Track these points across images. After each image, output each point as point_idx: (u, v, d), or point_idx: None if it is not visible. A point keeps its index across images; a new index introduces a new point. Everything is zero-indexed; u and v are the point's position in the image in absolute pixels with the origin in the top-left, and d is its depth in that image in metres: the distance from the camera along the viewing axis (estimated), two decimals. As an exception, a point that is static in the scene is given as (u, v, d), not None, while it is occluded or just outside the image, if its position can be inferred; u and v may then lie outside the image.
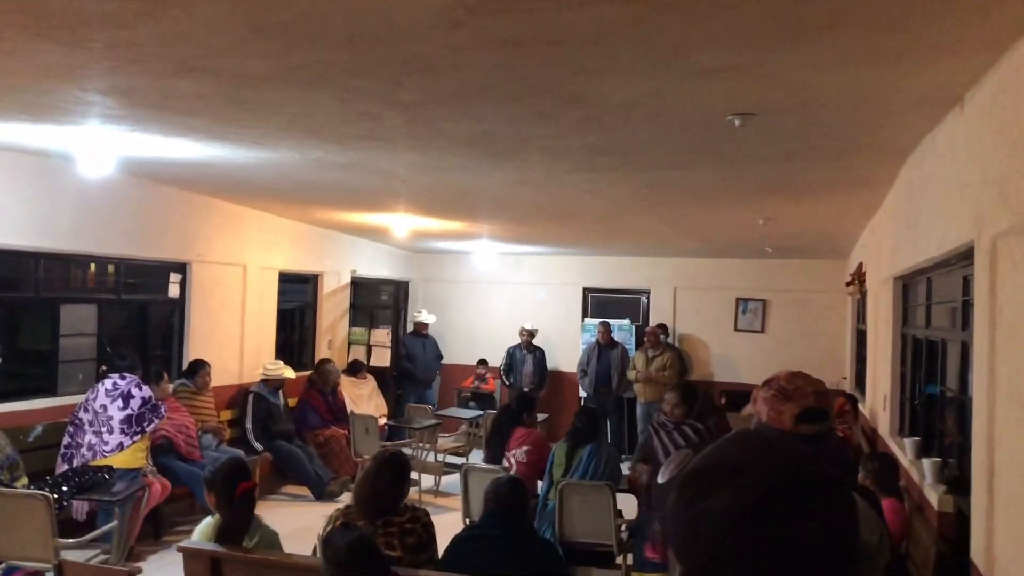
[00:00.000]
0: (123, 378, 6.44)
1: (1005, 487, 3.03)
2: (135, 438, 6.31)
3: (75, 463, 6.22)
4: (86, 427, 6.33)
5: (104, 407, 6.32)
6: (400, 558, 3.60)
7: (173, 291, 8.31)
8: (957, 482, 4.40)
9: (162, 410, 6.65)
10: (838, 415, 7.44)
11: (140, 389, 6.47)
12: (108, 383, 6.39)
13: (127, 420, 6.31)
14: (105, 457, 6.23)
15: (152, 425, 6.46)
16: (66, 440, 6.36)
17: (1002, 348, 3.09)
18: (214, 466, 3.97)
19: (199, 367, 7.98)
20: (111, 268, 7.64)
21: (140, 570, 6.00)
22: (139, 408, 6.39)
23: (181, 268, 8.30)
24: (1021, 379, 2.80)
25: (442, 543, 3.97)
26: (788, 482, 0.97)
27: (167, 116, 4.60)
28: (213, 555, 3.62)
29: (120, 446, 6.27)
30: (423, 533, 3.70)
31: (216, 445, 7.97)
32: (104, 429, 6.28)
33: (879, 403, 7.03)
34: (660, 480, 1.27)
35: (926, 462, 4.78)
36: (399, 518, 3.71)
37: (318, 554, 3.75)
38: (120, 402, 6.32)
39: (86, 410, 6.38)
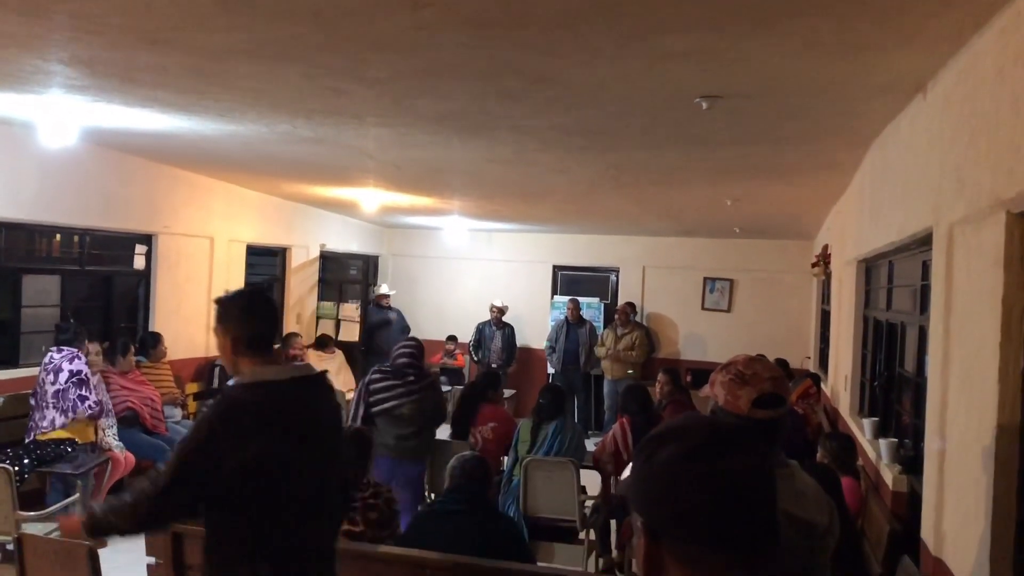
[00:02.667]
0: (59, 351, 6.22)
1: (955, 468, 3.10)
2: (68, 415, 6.04)
3: (32, 435, 6.13)
4: (36, 400, 6.22)
5: (42, 381, 6.16)
6: (362, 533, 3.63)
7: (139, 263, 8.21)
8: (912, 462, 4.50)
9: (92, 385, 6.25)
10: (803, 397, 7.55)
11: (71, 363, 6.18)
12: (47, 356, 6.24)
13: (56, 395, 6.08)
14: (43, 433, 6.05)
15: (81, 408, 6.10)
16: (30, 412, 6.26)
17: (956, 333, 3.15)
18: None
19: (155, 340, 7.90)
20: (75, 238, 7.53)
21: (104, 544, 6.00)
22: (65, 382, 6.11)
23: (147, 240, 8.21)
24: (973, 364, 2.87)
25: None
26: (715, 434, 1.19)
27: (130, 87, 4.54)
28: (174, 531, 3.62)
29: (52, 423, 6.05)
30: (385, 509, 3.74)
31: (180, 417, 7.95)
32: (42, 403, 6.12)
33: (840, 383, 7.14)
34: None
35: (883, 442, 4.87)
36: (362, 494, 3.74)
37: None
38: (52, 376, 6.11)
39: (38, 383, 6.25)
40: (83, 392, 6.12)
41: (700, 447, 1.16)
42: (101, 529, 2.57)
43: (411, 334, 12.31)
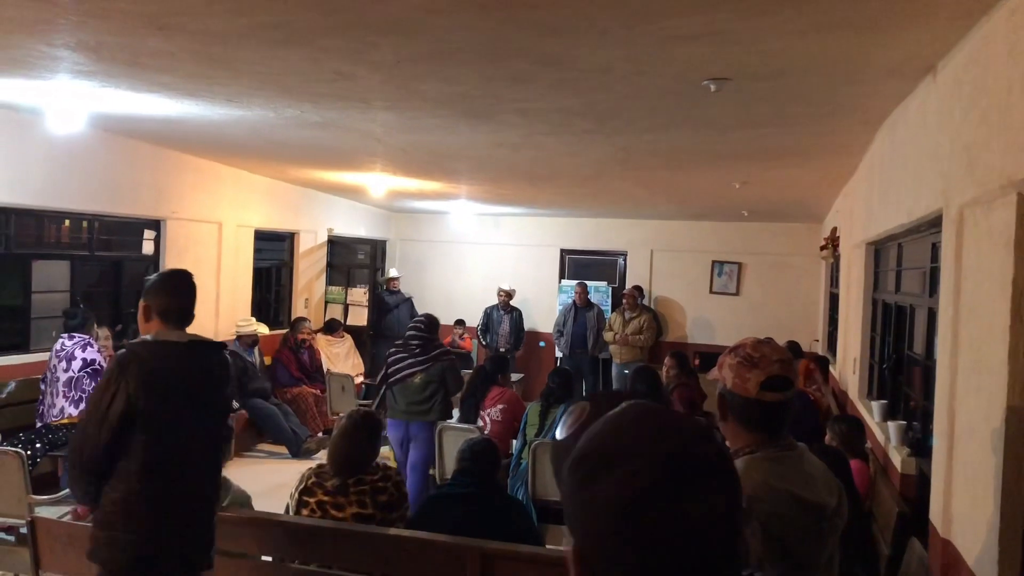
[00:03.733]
0: (71, 338, 6.24)
1: (963, 451, 3.10)
2: (80, 407, 5.99)
3: (44, 420, 6.16)
4: (46, 385, 6.24)
5: (53, 367, 6.18)
6: (372, 516, 3.65)
7: (147, 248, 8.24)
8: (920, 445, 4.50)
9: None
10: (805, 377, 7.54)
11: (84, 351, 6.20)
12: (58, 343, 6.26)
13: (68, 383, 6.10)
14: (54, 420, 6.09)
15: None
16: (40, 397, 6.30)
17: (965, 316, 3.14)
18: None
19: None
20: (84, 224, 7.56)
21: None
22: (79, 371, 6.12)
23: (155, 225, 8.23)
24: (982, 347, 2.86)
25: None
26: (674, 469, 0.98)
27: (137, 72, 4.53)
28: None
29: (62, 412, 6.07)
30: (394, 492, 3.75)
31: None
32: (52, 391, 6.15)
33: (849, 366, 7.13)
34: (558, 435, 1.27)
35: (891, 425, 4.87)
36: (371, 476, 3.75)
37: (291, 512, 3.79)
38: (64, 363, 6.13)
39: (49, 369, 6.29)
40: (93, 382, 6.14)
41: (653, 487, 0.96)
42: (88, 499, 3.05)
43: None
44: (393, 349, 6.63)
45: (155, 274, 3.26)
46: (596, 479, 0.99)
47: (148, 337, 3.06)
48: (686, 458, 1.00)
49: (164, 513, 2.98)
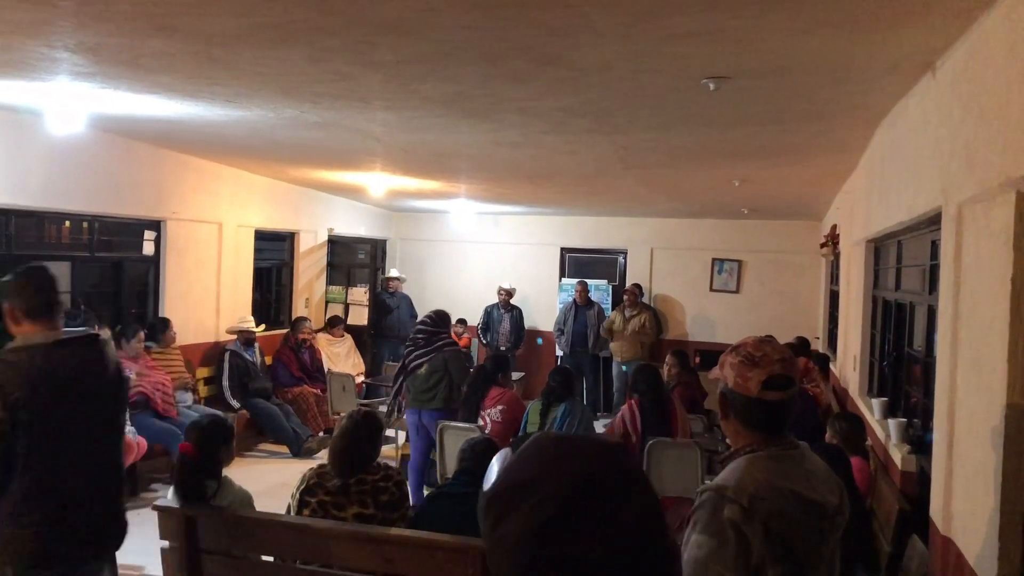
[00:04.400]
0: None
1: (963, 448, 3.11)
2: None
3: None
4: None
5: None
6: (373, 516, 3.65)
7: (148, 248, 8.24)
8: (921, 442, 4.51)
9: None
10: (804, 374, 7.55)
11: None
12: None
13: None
14: None
15: None
16: None
17: (965, 314, 3.15)
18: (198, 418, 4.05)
19: (164, 325, 7.94)
20: (85, 225, 7.56)
21: None
22: None
23: (156, 226, 8.23)
24: (982, 345, 2.86)
25: (418, 497, 4.04)
26: (580, 494, 0.96)
27: (137, 73, 4.54)
28: (188, 514, 3.65)
29: None
30: (395, 491, 3.75)
31: (192, 402, 8.00)
32: None
33: (849, 363, 7.14)
34: (484, 488, 1.24)
35: (892, 422, 4.88)
36: (372, 476, 3.76)
37: (292, 512, 3.79)
38: None
39: None
40: None
41: (557, 514, 0.94)
42: None
43: (417, 319, 12.38)
44: (407, 343, 7.26)
45: (8, 276, 3.15)
46: (506, 517, 0.98)
47: (19, 342, 3.01)
48: (592, 479, 0.98)
49: (64, 508, 3.00)
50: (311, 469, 3.89)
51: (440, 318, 7.21)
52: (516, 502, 0.98)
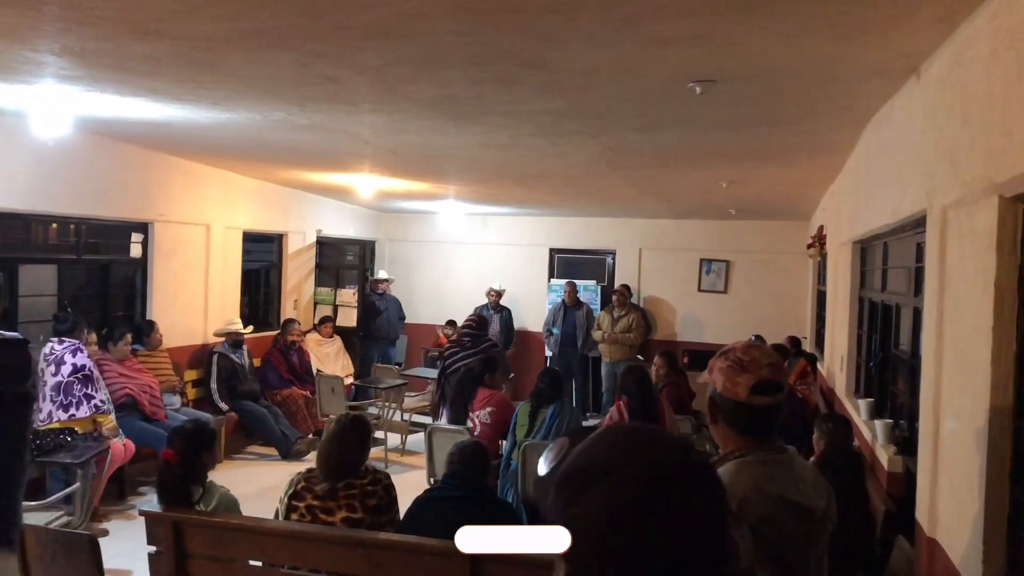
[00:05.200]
0: (61, 343, 6.17)
1: (948, 450, 3.13)
2: (70, 411, 5.96)
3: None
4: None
5: (41, 371, 6.09)
6: (361, 520, 3.65)
7: (135, 251, 8.21)
8: (907, 443, 4.53)
9: (96, 380, 6.22)
10: (800, 377, 7.58)
11: (74, 356, 6.13)
12: (47, 347, 6.19)
13: (56, 388, 6.02)
14: (42, 425, 6.00)
15: (87, 407, 6.02)
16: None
17: (949, 315, 3.17)
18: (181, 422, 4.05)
19: (149, 327, 7.91)
20: (72, 228, 7.52)
21: (105, 532, 6.04)
22: (68, 375, 6.04)
23: (143, 228, 8.20)
24: (966, 346, 2.88)
25: (408, 499, 4.03)
26: (657, 481, 0.99)
27: (123, 77, 4.52)
28: (175, 519, 3.64)
29: (50, 416, 6.00)
30: (384, 495, 3.74)
31: (180, 404, 7.97)
32: (40, 395, 6.03)
33: (837, 364, 7.17)
34: (540, 472, 1.26)
35: (878, 423, 4.90)
36: (360, 480, 3.75)
37: (280, 516, 3.79)
38: (53, 368, 6.05)
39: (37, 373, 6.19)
40: (88, 390, 6.06)
41: (640, 496, 0.97)
42: None
43: (405, 320, 12.38)
44: (449, 345, 8.30)
45: None
46: (584, 494, 1.00)
47: None
48: (670, 467, 1.01)
49: None
50: (299, 473, 3.88)
51: (482, 321, 8.44)
52: (596, 481, 1.00)
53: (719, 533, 1.01)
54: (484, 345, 7.85)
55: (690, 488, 1.00)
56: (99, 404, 6.10)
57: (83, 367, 6.11)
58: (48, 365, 6.07)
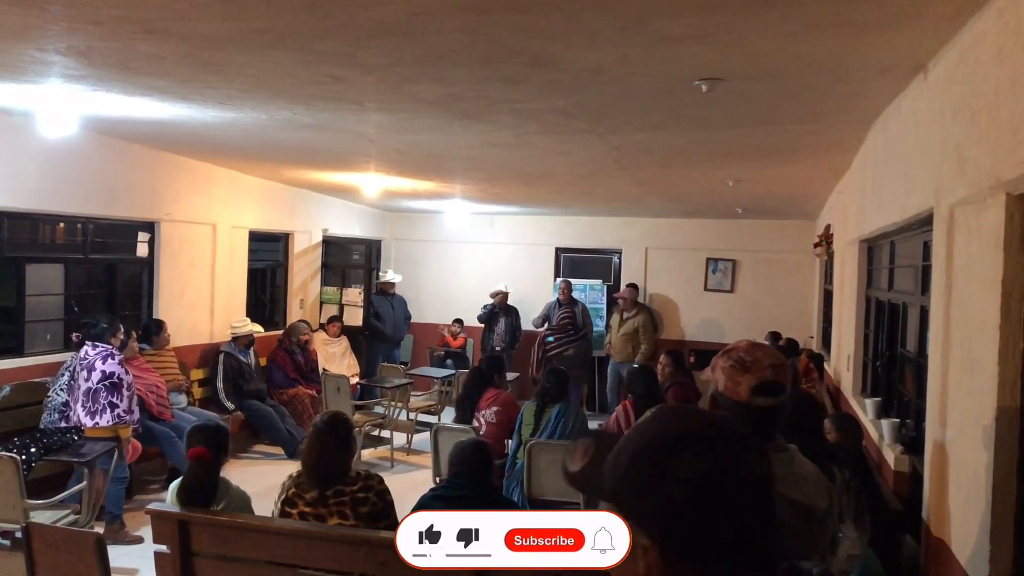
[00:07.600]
0: (94, 348, 6.13)
1: (955, 450, 3.11)
2: (95, 419, 5.92)
3: (69, 423, 6.07)
4: (71, 392, 6.16)
5: (75, 375, 6.10)
6: (355, 527, 3.58)
7: (141, 250, 8.22)
8: (914, 442, 4.51)
9: (123, 390, 6.12)
10: (803, 374, 7.56)
11: (104, 363, 6.07)
12: (82, 351, 6.16)
13: (86, 393, 5.99)
14: (87, 427, 5.99)
15: (109, 416, 5.95)
16: (63, 398, 6.21)
17: (956, 314, 3.16)
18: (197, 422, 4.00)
19: (158, 327, 7.92)
20: (78, 227, 7.54)
21: (139, 540, 6.00)
22: (97, 382, 6.00)
23: (149, 227, 8.21)
24: (973, 345, 2.87)
25: (413, 499, 4.01)
26: (733, 442, 1.09)
27: (129, 76, 4.53)
28: (181, 518, 3.64)
29: (78, 419, 6.00)
30: (377, 501, 3.65)
31: (186, 404, 7.98)
32: (73, 398, 6.07)
33: (843, 363, 7.15)
34: (572, 469, 1.26)
35: (885, 422, 4.88)
36: (350, 487, 3.64)
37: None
38: (86, 373, 6.03)
39: (72, 375, 6.15)
40: (113, 399, 6.01)
41: (722, 457, 1.06)
42: None
43: (411, 319, 12.37)
44: (548, 334, 11.01)
45: None
46: (670, 458, 1.06)
47: None
48: (738, 434, 1.12)
49: None
50: (289, 477, 3.79)
51: (584, 311, 11.30)
52: (679, 447, 1.07)
53: (773, 495, 1.10)
54: (583, 332, 11.02)
55: (755, 454, 1.10)
56: (121, 415, 6.06)
57: (112, 374, 6.03)
58: (82, 370, 6.06)
